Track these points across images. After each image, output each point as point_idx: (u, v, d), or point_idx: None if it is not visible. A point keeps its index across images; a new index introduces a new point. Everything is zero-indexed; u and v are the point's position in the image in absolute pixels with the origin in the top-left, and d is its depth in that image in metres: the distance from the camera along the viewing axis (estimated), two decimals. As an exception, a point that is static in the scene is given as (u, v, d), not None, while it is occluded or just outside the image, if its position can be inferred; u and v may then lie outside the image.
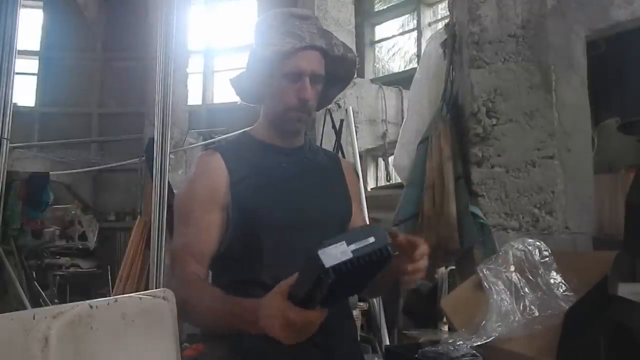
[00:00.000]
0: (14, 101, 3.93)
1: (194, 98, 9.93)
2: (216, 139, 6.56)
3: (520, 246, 1.46)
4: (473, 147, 2.11)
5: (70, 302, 1.18)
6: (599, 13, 2.19)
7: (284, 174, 1.31)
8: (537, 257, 1.44)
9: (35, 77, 10.63)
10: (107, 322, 1.07)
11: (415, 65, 7.10)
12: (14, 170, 5.30)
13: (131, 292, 1.81)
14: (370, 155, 7.23)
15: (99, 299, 1.10)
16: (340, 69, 1.34)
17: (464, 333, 1.31)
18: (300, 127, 1.34)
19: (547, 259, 1.44)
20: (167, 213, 4.16)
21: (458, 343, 1.23)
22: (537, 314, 1.32)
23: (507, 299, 1.35)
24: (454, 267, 2.63)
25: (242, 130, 1.43)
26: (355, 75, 1.44)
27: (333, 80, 1.36)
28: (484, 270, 1.43)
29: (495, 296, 1.36)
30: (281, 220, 1.25)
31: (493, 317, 1.31)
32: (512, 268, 1.42)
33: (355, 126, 3.89)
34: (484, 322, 1.31)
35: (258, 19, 1.34)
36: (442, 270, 3.71)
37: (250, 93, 1.35)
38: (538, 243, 1.48)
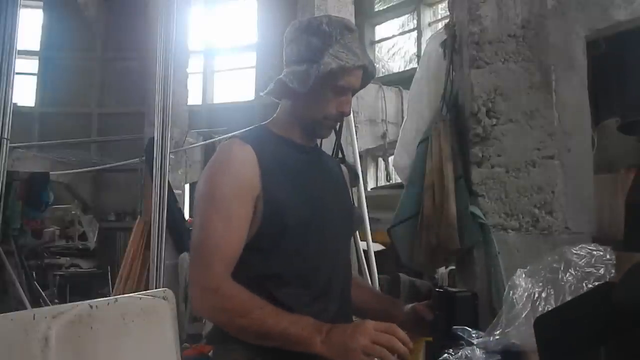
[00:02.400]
0: (14, 101, 3.94)
1: (194, 98, 9.93)
2: (216, 138, 6.56)
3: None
4: (473, 147, 2.11)
5: (70, 302, 1.18)
6: (599, 13, 2.19)
7: (306, 171, 1.34)
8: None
9: (35, 77, 10.64)
10: (107, 322, 1.08)
11: (415, 65, 7.11)
12: (14, 170, 5.30)
13: (131, 292, 1.81)
14: (370, 155, 7.24)
15: (99, 299, 1.10)
16: (363, 83, 1.40)
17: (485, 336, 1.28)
18: (329, 133, 1.40)
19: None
20: (167, 213, 4.17)
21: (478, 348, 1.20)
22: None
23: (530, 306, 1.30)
24: (453, 267, 2.63)
25: (260, 124, 1.42)
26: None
27: None
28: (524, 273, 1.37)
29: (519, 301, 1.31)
30: (305, 216, 1.28)
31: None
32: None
33: (355, 126, 3.89)
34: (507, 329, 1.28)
35: (308, 21, 1.35)
36: (442, 270, 3.71)
37: (283, 89, 1.35)
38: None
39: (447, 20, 2.46)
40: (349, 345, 1.04)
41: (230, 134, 1.38)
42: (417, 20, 9.25)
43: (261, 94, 1.41)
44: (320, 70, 1.26)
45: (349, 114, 1.36)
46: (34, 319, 0.94)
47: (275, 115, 1.41)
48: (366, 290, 1.59)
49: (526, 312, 1.29)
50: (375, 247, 3.67)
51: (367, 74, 1.38)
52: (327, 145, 3.60)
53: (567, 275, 1.32)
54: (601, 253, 1.34)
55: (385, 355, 1.04)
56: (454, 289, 1.37)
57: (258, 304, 1.13)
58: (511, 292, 1.36)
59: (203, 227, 1.22)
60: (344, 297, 1.37)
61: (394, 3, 9.73)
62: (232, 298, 1.14)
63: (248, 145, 1.27)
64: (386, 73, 9.63)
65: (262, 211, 1.23)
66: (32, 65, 10.60)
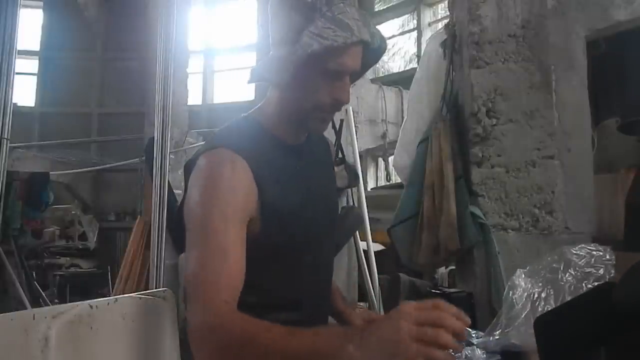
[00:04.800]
0: (14, 101, 3.93)
1: (194, 98, 9.92)
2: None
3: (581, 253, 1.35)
4: (473, 147, 2.11)
5: (70, 302, 1.17)
6: (599, 13, 2.19)
7: (298, 177, 1.19)
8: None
9: (35, 77, 10.64)
10: (107, 322, 1.08)
11: (415, 65, 7.10)
12: (14, 170, 5.29)
13: (131, 292, 1.81)
14: (370, 155, 7.23)
15: (99, 299, 1.10)
16: (368, 58, 1.17)
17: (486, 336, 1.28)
18: (323, 127, 1.19)
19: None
20: (167, 213, 4.17)
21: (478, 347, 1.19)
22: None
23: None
24: (453, 267, 2.63)
25: (246, 116, 1.23)
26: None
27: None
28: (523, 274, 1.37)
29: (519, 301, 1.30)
30: (302, 232, 1.16)
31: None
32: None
33: (355, 126, 3.89)
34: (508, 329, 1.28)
35: None
36: (442, 270, 3.71)
37: (267, 76, 1.14)
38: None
39: (447, 20, 2.46)
40: (393, 337, 0.80)
41: (214, 134, 1.17)
42: (417, 20, 9.24)
43: (248, 82, 1.20)
44: (299, 54, 1.04)
45: (348, 101, 1.11)
46: (34, 319, 0.94)
47: (262, 103, 1.21)
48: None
49: (526, 312, 1.29)
50: (375, 247, 3.67)
51: (373, 49, 1.14)
52: (327, 145, 3.60)
53: (567, 276, 1.32)
54: (601, 253, 1.34)
55: (438, 336, 0.79)
56: (449, 289, 1.35)
57: (263, 329, 0.93)
58: (511, 292, 1.36)
59: (197, 262, 1.02)
60: (328, 308, 1.32)
61: (394, 3, 9.72)
62: (234, 331, 0.94)
63: (242, 158, 1.08)
64: (386, 73, 9.62)
65: (255, 234, 1.08)
66: (32, 65, 10.58)
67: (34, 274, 5.92)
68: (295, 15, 1.07)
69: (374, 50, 1.15)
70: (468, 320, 0.82)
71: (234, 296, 1.00)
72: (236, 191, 1.06)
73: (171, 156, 5.04)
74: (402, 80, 7.06)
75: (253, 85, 1.26)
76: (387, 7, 9.91)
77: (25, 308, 4.32)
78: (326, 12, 1.05)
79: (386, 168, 7.20)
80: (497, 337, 1.26)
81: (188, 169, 1.16)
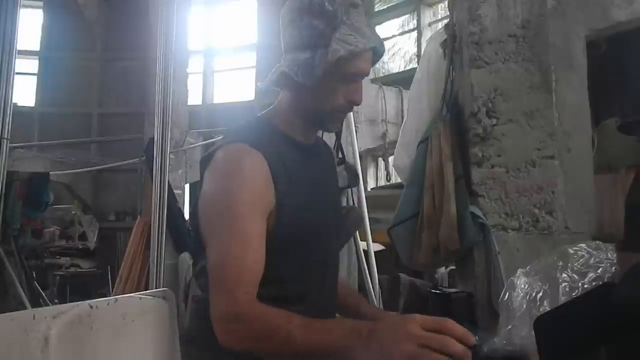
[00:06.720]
0: (14, 101, 3.94)
1: (194, 98, 9.92)
2: (216, 139, 6.55)
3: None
4: (473, 147, 2.11)
5: (70, 302, 1.17)
6: (599, 13, 2.19)
7: (309, 175, 1.23)
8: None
9: (35, 77, 10.65)
10: (107, 322, 1.08)
11: (415, 65, 7.11)
12: (14, 170, 5.29)
13: (131, 292, 1.81)
14: (370, 155, 7.23)
15: (99, 299, 1.10)
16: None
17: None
18: (339, 126, 1.31)
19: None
20: (167, 213, 4.17)
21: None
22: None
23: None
24: (453, 267, 2.63)
25: (260, 116, 1.28)
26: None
27: None
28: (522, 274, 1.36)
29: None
30: (313, 229, 1.20)
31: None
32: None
33: (355, 126, 3.88)
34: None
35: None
36: (442, 270, 3.72)
37: (284, 79, 1.20)
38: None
39: (447, 20, 2.46)
40: (392, 353, 0.85)
41: (228, 132, 1.19)
42: (417, 20, 9.25)
43: (259, 84, 1.28)
44: (328, 58, 1.11)
45: (360, 102, 1.20)
46: (34, 319, 0.94)
47: (275, 105, 1.27)
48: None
49: (525, 312, 1.29)
50: (375, 247, 3.67)
51: (376, 54, 1.24)
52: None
53: (566, 275, 1.32)
54: (601, 252, 1.34)
55: None
56: (450, 290, 1.36)
57: (283, 321, 0.97)
58: (510, 292, 1.36)
59: (220, 252, 1.07)
60: (334, 306, 1.33)
61: (394, 3, 9.73)
62: (255, 322, 1.00)
63: (259, 152, 1.12)
64: (386, 73, 9.62)
65: (269, 228, 1.12)
66: (32, 65, 10.60)
67: (34, 274, 5.92)
68: (319, 22, 1.15)
69: (375, 54, 1.24)
70: (473, 340, 0.85)
71: (254, 286, 1.06)
72: (255, 182, 1.10)
73: (171, 156, 5.05)
74: (402, 80, 7.07)
75: (253, 85, 1.30)
76: (387, 7, 9.91)
77: (25, 308, 4.33)
78: (346, 20, 1.14)
79: (386, 168, 7.20)
80: (497, 338, 1.26)
81: (204, 164, 1.19)
